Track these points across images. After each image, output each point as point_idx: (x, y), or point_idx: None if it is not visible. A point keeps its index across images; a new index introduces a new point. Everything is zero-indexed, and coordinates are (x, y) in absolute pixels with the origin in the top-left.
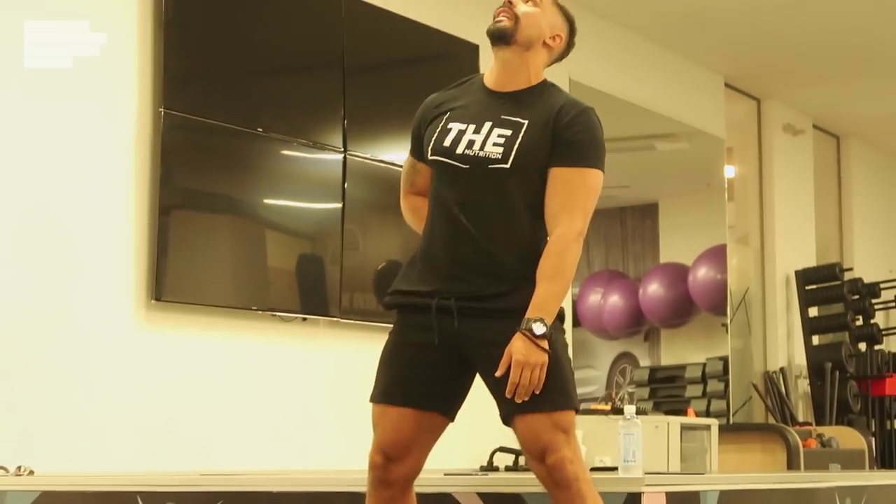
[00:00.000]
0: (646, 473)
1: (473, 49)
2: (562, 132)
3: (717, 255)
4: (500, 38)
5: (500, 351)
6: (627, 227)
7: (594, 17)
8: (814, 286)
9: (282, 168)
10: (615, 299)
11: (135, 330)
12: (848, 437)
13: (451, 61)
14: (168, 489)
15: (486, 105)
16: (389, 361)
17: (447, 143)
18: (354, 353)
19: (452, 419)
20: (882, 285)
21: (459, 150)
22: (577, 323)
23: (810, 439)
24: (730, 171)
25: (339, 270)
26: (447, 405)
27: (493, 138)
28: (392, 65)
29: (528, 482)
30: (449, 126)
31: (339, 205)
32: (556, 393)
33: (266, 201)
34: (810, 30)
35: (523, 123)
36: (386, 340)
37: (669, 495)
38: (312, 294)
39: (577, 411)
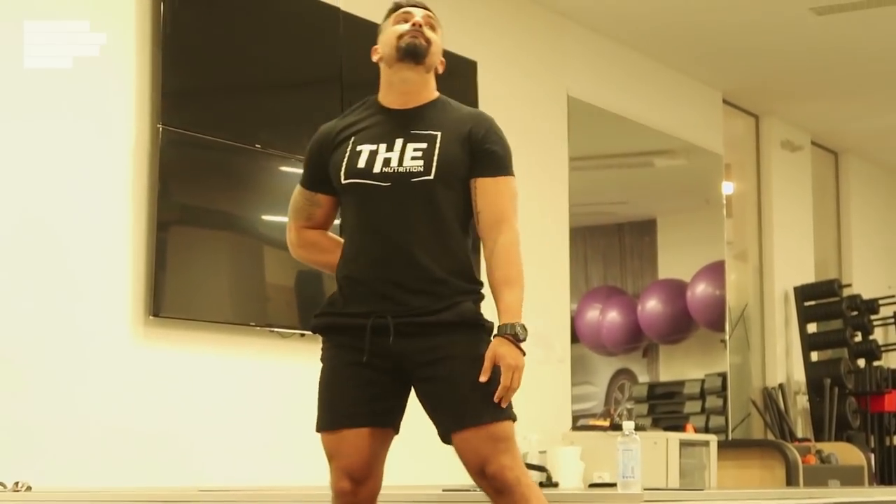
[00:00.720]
0: (645, 489)
1: (471, 65)
2: (480, 145)
3: (716, 272)
4: (415, 55)
5: (444, 368)
6: (626, 243)
7: (592, 34)
8: (812, 302)
9: (280, 184)
10: (614, 315)
11: (132, 346)
12: (847, 454)
13: (448, 78)
14: None
15: (392, 123)
16: (333, 386)
17: (361, 164)
18: None
19: (398, 432)
20: (881, 301)
21: (377, 170)
22: (575, 339)
23: (809, 455)
24: (728, 188)
25: (336, 286)
26: (396, 419)
27: (410, 153)
28: None
29: None
30: (358, 149)
31: (338, 221)
32: (490, 405)
33: (264, 217)
34: (808, 46)
35: (436, 135)
36: (321, 368)
37: None
38: (311, 310)
39: (515, 420)
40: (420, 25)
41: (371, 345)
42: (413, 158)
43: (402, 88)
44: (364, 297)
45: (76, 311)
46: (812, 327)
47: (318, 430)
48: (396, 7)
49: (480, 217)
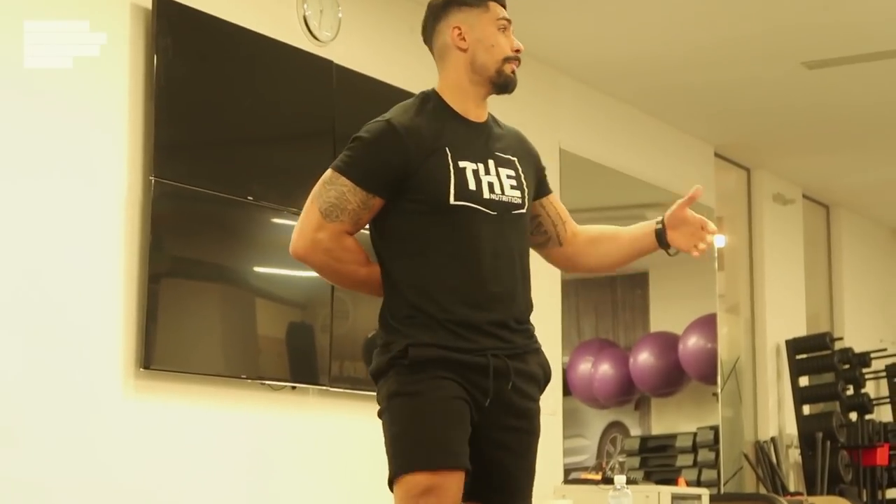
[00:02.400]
0: None
1: None
2: (542, 168)
3: (708, 325)
4: (510, 89)
5: (525, 442)
6: (618, 296)
7: (584, 87)
8: (804, 355)
9: (272, 236)
10: (606, 368)
11: (123, 398)
12: None
13: None
14: None
15: (478, 140)
16: (444, 421)
17: (472, 186)
18: (344, 421)
19: None
20: (872, 355)
21: (486, 195)
22: (567, 392)
23: None
24: (720, 241)
25: (328, 339)
26: None
27: (505, 180)
28: None
29: None
30: (461, 165)
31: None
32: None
33: (256, 269)
34: (799, 101)
35: (514, 161)
36: (414, 399)
37: None
38: (302, 362)
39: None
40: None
41: (495, 384)
42: (512, 188)
43: (481, 103)
44: (469, 332)
45: (67, 363)
46: (804, 380)
47: (420, 467)
48: None
49: (567, 223)
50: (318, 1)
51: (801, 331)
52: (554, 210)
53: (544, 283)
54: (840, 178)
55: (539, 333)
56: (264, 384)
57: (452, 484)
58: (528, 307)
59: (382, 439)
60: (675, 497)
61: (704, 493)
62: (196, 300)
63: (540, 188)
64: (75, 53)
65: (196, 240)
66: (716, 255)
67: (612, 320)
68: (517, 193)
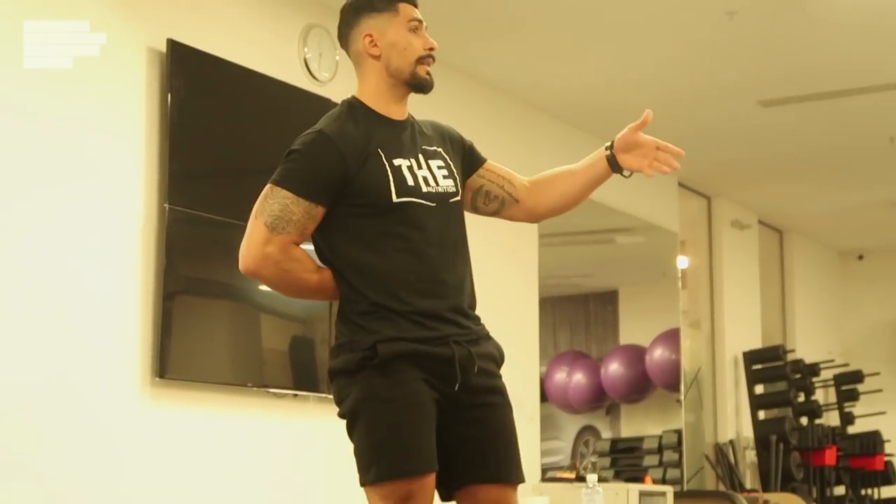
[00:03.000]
0: None
1: None
2: (464, 146)
3: (672, 338)
4: (426, 90)
5: (498, 414)
6: (590, 311)
7: (555, 121)
8: (759, 366)
9: None
10: (579, 377)
11: (139, 405)
12: None
13: None
14: None
15: (401, 137)
16: (418, 425)
17: (410, 181)
18: (340, 426)
19: None
20: (822, 365)
21: (424, 189)
22: (544, 399)
23: None
24: (683, 262)
25: (327, 350)
26: None
27: (436, 171)
28: None
29: None
30: (396, 163)
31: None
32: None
33: (261, 288)
34: (755, 136)
35: (440, 151)
36: (391, 403)
37: None
38: (303, 372)
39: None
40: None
41: (462, 371)
42: (444, 178)
43: (401, 103)
44: (430, 321)
45: (89, 373)
46: (759, 388)
47: (401, 475)
48: None
49: (513, 179)
50: (317, 45)
51: (756, 343)
52: (495, 174)
53: (523, 299)
54: (792, 206)
55: (518, 346)
56: (269, 392)
57: (428, 486)
58: (474, 295)
59: (352, 438)
60: (642, 494)
61: (669, 490)
62: (206, 316)
63: (472, 162)
64: (97, 93)
65: (206, 261)
66: (679, 274)
67: (585, 334)
68: (450, 183)
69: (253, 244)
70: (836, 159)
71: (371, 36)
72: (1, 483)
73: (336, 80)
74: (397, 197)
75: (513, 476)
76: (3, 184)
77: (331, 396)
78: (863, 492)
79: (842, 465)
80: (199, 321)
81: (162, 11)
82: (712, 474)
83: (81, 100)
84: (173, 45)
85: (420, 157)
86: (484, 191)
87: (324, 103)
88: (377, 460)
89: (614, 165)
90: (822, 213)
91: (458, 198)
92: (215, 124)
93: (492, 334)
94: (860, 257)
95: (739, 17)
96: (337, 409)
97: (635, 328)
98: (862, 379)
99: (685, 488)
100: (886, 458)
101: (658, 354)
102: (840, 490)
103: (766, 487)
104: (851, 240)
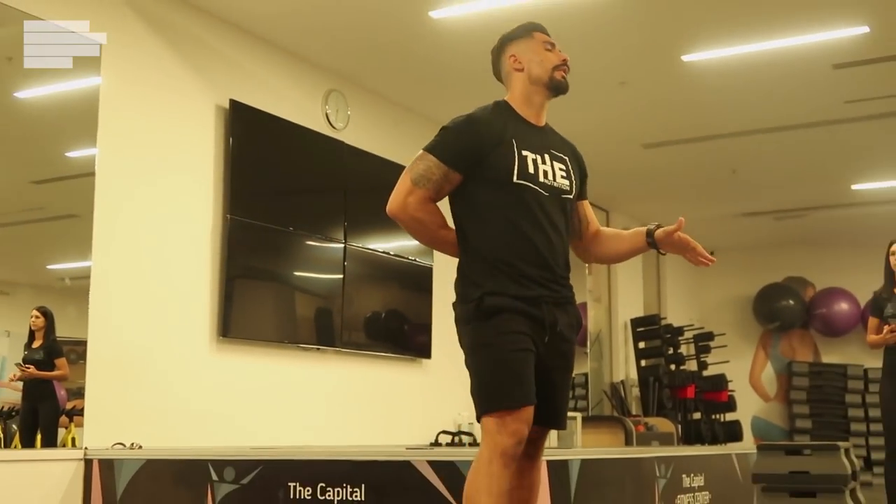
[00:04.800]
0: None
1: None
2: (583, 174)
3: (581, 309)
4: (563, 92)
5: (566, 373)
6: None
7: None
8: (642, 328)
9: (305, 253)
10: None
11: (208, 356)
12: (663, 425)
13: None
14: (228, 458)
15: (538, 137)
16: (515, 364)
17: (531, 170)
18: (351, 371)
19: None
20: (685, 328)
21: (541, 179)
22: None
23: (640, 426)
24: None
25: (340, 318)
26: None
27: (557, 171)
28: (373, 188)
29: (460, 453)
30: (524, 154)
31: (341, 276)
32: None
33: (295, 273)
34: (640, 169)
35: (566, 159)
36: (498, 348)
37: (549, 462)
38: (324, 333)
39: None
40: (567, 63)
41: (549, 331)
42: (561, 177)
43: (540, 109)
44: (532, 283)
45: (174, 331)
46: (642, 344)
47: (503, 406)
48: (535, 28)
49: (591, 224)
50: (335, 103)
51: (640, 312)
52: (584, 212)
53: None
54: (666, 216)
55: None
56: (299, 347)
57: (528, 414)
58: (569, 267)
59: (470, 376)
60: None
61: (578, 416)
62: (256, 293)
63: (580, 191)
64: (183, 137)
65: (256, 254)
66: (587, 265)
67: None
68: (566, 182)
69: (399, 193)
70: (696, 184)
71: (515, 56)
72: (116, 405)
73: (348, 128)
74: (517, 178)
75: (561, 426)
76: (124, 202)
77: (344, 350)
78: (713, 416)
79: (699, 398)
80: (251, 297)
81: (225, 79)
82: (609, 405)
83: (174, 141)
84: (234, 104)
85: (546, 155)
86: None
87: (339, 144)
88: (486, 395)
89: (653, 245)
90: (686, 222)
91: (571, 196)
92: (262, 160)
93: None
94: (712, 253)
95: (629, 85)
96: None
97: None
98: (713, 338)
99: (590, 414)
100: (729, 393)
101: None
102: (697, 415)
103: (646, 413)
104: (707, 240)
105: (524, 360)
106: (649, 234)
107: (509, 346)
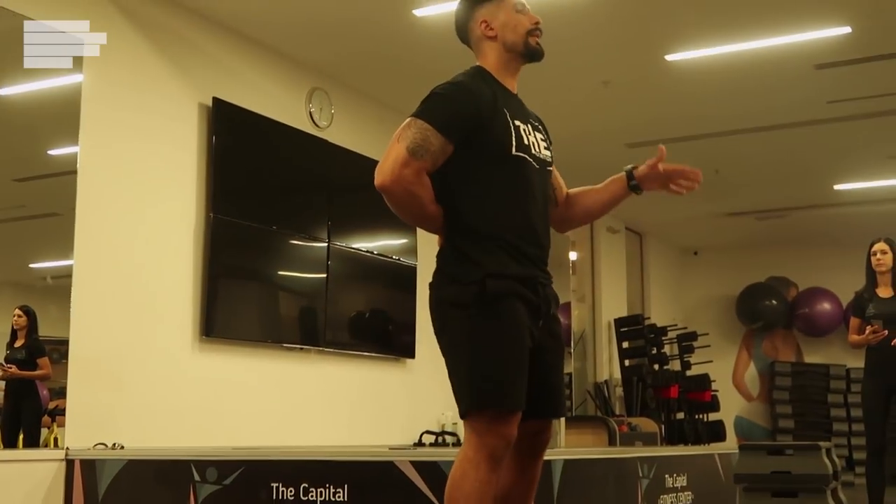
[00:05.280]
0: None
1: None
2: (550, 141)
3: (565, 309)
4: (537, 58)
5: (558, 355)
6: None
7: None
8: (626, 328)
9: (289, 252)
10: None
11: (191, 355)
12: (647, 425)
13: None
14: (211, 458)
15: (518, 106)
16: (518, 363)
17: (525, 141)
18: (333, 370)
19: None
20: (668, 328)
21: (533, 151)
22: None
23: (623, 426)
24: (573, 255)
25: (324, 317)
26: None
27: (540, 141)
28: (357, 187)
29: (443, 454)
30: (516, 124)
31: (325, 275)
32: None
33: (279, 272)
34: (624, 165)
35: (541, 128)
36: (500, 336)
37: None
38: (308, 332)
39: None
40: (540, 25)
41: (544, 316)
42: (545, 148)
43: (515, 76)
44: (526, 261)
45: (157, 331)
46: (625, 344)
47: (510, 408)
48: None
49: (562, 188)
50: (318, 101)
51: (623, 312)
52: (555, 177)
53: None
54: (649, 216)
55: None
56: (283, 346)
57: (517, 419)
58: (549, 247)
59: (454, 365)
60: None
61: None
62: (239, 292)
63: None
64: (167, 134)
65: (239, 253)
66: (570, 264)
67: None
68: (548, 153)
69: (393, 164)
70: None
71: (486, 21)
72: (99, 405)
73: (331, 127)
74: (515, 151)
75: (560, 412)
76: (106, 201)
77: (326, 350)
78: (696, 416)
79: (682, 398)
80: (234, 296)
81: (208, 77)
82: (593, 404)
83: (157, 139)
84: (217, 102)
85: (529, 125)
86: None
87: (323, 143)
88: (480, 391)
89: (634, 188)
90: (670, 222)
91: (552, 167)
92: (246, 158)
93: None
94: (695, 253)
95: (612, 84)
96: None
97: None
98: (696, 338)
99: (574, 414)
100: (712, 393)
101: None
102: (681, 415)
103: (629, 413)
104: (689, 240)
105: (523, 361)
106: (630, 175)
107: (511, 342)
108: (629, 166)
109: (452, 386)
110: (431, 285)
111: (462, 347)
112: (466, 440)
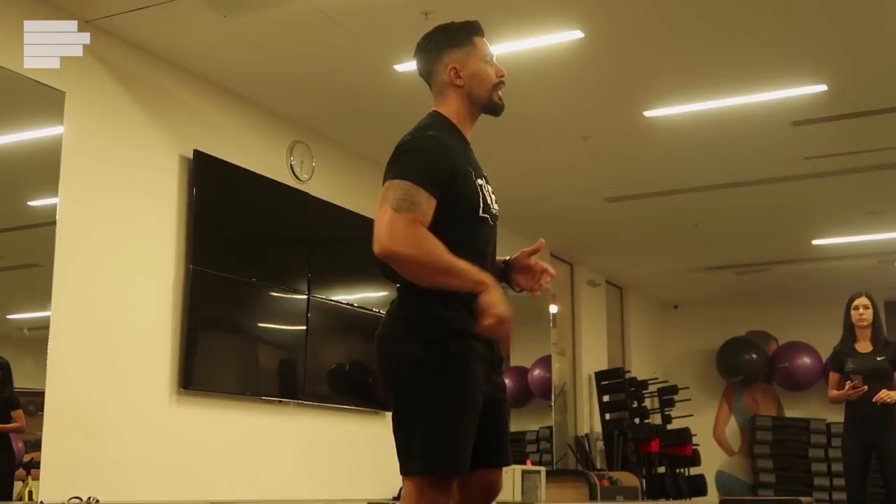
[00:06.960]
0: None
1: None
2: None
3: (546, 362)
4: (498, 114)
5: (505, 406)
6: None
7: None
8: (606, 382)
9: (268, 304)
10: None
11: (169, 408)
12: (628, 479)
13: (369, 240)
14: None
15: (474, 159)
16: (471, 426)
17: (488, 200)
18: (313, 423)
19: None
20: (649, 382)
21: (492, 210)
22: None
23: (604, 480)
24: (553, 309)
25: (303, 370)
26: None
27: (492, 195)
28: (338, 240)
29: None
30: (479, 182)
31: (305, 327)
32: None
33: (259, 324)
34: (603, 222)
35: (488, 179)
36: (456, 393)
37: None
38: (287, 385)
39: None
40: (504, 79)
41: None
42: (495, 202)
43: (473, 125)
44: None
45: (134, 383)
46: (606, 397)
47: (460, 471)
48: (475, 31)
49: None
50: (300, 154)
51: (604, 365)
52: None
53: None
54: (629, 271)
55: None
56: (262, 399)
57: (454, 484)
58: None
59: (405, 423)
60: (524, 472)
61: (542, 469)
62: (218, 344)
63: None
64: (146, 186)
65: (218, 305)
66: (551, 317)
67: None
68: (497, 207)
69: (384, 227)
70: (659, 238)
71: (456, 69)
72: (74, 458)
73: (312, 180)
74: (481, 213)
75: (508, 461)
76: (85, 252)
77: (306, 403)
78: (677, 470)
79: (663, 452)
80: (213, 348)
81: (189, 129)
82: (573, 458)
83: (137, 191)
84: (197, 154)
85: (484, 179)
86: None
87: (303, 196)
88: (434, 451)
89: (506, 279)
90: (650, 276)
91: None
92: (226, 210)
93: None
94: (675, 307)
95: (592, 140)
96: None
97: (520, 354)
98: (677, 391)
99: (554, 468)
100: (694, 447)
101: (536, 373)
102: (661, 469)
103: (610, 467)
104: (669, 294)
105: (475, 426)
106: (506, 263)
107: (469, 408)
108: (510, 257)
109: (396, 440)
110: (384, 336)
111: (417, 407)
112: (406, 497)
